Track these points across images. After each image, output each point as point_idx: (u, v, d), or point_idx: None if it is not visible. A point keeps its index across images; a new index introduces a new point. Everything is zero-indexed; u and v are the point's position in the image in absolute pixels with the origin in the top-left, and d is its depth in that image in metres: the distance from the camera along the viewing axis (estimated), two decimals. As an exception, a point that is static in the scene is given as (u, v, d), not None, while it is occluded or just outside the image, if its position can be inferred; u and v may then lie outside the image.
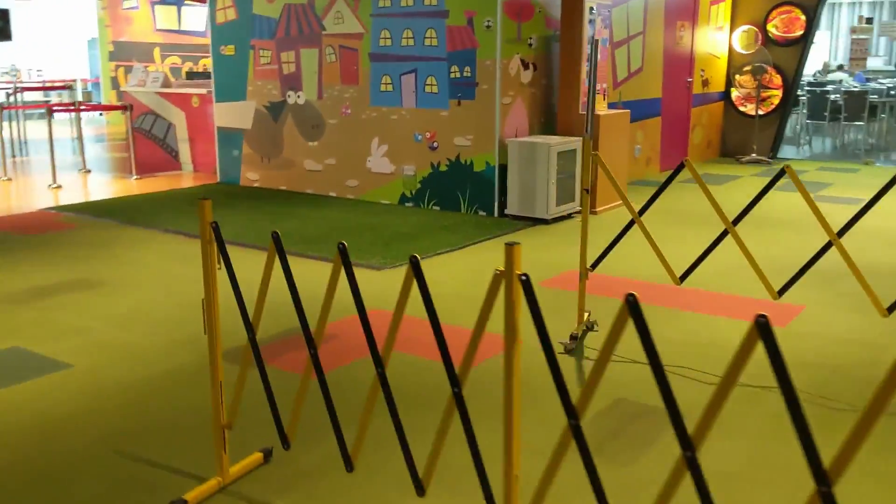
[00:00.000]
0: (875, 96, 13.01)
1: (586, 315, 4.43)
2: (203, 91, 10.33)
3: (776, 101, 11.82)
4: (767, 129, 11.88)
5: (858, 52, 10.95)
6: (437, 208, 8.05)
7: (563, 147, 7.41)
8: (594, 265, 4.33)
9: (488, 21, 7.41)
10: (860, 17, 11.05)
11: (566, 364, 4.09)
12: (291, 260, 6.11)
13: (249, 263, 6.00)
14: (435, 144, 7.96)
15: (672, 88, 10.63)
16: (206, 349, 4.13)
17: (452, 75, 7.72)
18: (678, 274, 4.22)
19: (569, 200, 7.60)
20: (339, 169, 8.71)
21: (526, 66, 7.78)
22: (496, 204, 7.69)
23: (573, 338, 4.17)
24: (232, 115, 9.42)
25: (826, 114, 13.28)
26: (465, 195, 7.85)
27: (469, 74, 7.62)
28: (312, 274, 5.73)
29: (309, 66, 8.69)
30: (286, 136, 9.04)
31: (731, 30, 12.03)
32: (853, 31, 11.29)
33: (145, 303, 5.10)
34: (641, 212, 4.21)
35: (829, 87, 13.45)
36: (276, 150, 9.17)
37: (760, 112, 11.76)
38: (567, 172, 7.51)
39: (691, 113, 11.25)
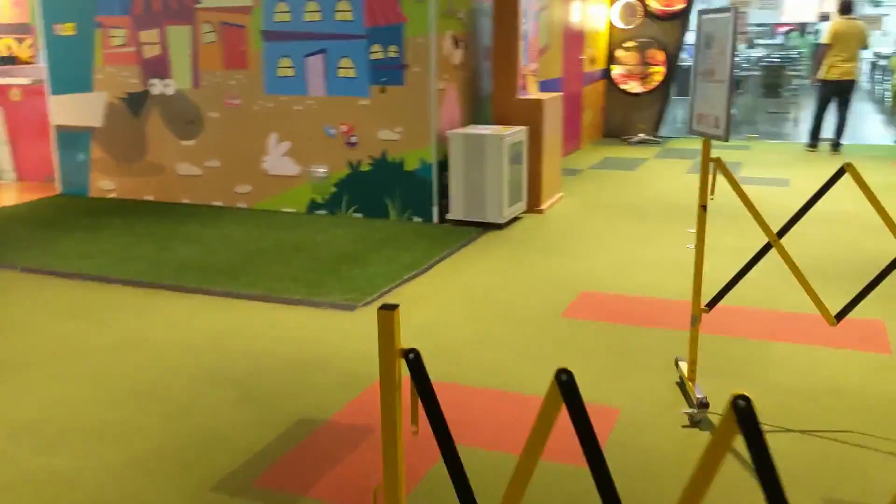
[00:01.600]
0: (745, 72, 13.06)
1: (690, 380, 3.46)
2: (26, 81, 8.27)
3: (659, 77, 11.45)
4: (650, 107, 11.51)
5: (740, 25, 10.82)
6: (359, 216, 6.76)
7: (514, 139, 6.39)
8: (712, 303, 3.34)
9: (419, -9, 6.20)
10: None
11: (690, 440, 3.09)
12: (208, 304, 4.66)
13: (162, 315, 4.49)
14: (353, 140, 6.65)
15: (569, 67, 9.90)
16: (191, 483, 2.75)
17: (374, 56, 6.44)
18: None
19: (517, 200, 6.60)
20: (226, 173, 7.17)
21: (457, 45, 6.65)
22: (435, 208, 6.54)
23: (701, 404, 3.16)
24: (75, 110, 7.54)
25: (694, 89, 13.18)
26: (394, 199, 6.63)
27: (395, 55, 6.38)
28: (251, 321, 4.34)
29: (179, 47, 7.03)
30: (151, 135, 7.33)
31: (610, 3, 11.50)
32: (732, 4, 11.10)
33: (53, 396, 3.53)
34: (780, 234, 3.27)
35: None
36: (137, 153, 7.43)
37: (644, 89, 11.34)
38: (516, 167, 6.50)
39: (583, 92, 10.60)
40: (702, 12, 3.18)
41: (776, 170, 8.89)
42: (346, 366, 3.78)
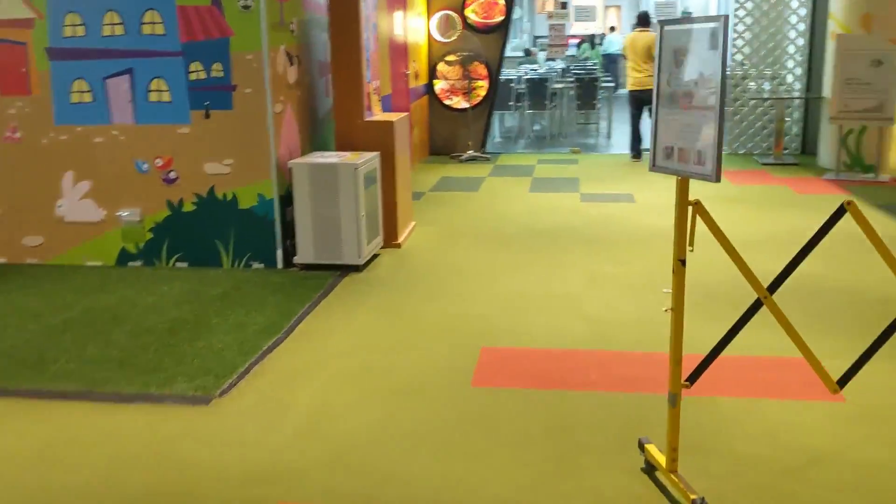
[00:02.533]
0: (559, 84, 13.02)
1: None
2: None
3: (483, 92, 11.08)
4: (476, 122, 11.11)
5: (556, 38, 10.68)
6: (184, 266, 5.67)
7: (368, 167, 5.60)
8: (692, 378, 2.74)
9: (247, -2, 5.25)
10: (555, 2, 10.80)
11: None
12: (5, 413, 3.50)
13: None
14: (172, 175, 5.57)
15: (396, 83, 9.23)
16: None
17: (194, 76, 5.40)
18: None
19: (374, 235, 5.81)
20: (9, 222, 5.80)
21: (291, 61, 5.76)
22: (280, 251, 5.60)
23: (699, 504, 2.55)
24: None
25: (511, 103, 12.99)
26: (228, 243, 5.62)
27: (221, 74, 5.38)
28: (72, 434, 3.26)
29: (-66, 68, 5.59)
30: None
31: (428, 16, 10.98)
32: (549, 16, 10.95)
33: None
34: (771, 288, 2.73)
35: (513, 76, 13.18)
36: None
37: (468, 104, 10.91)
38: (371, 199, 5.71)
39: (411, 109, 9.97)
40: (664, 23, 2.58)
41: (615, 184, 8.71)
42: (222, 497, 2.83)
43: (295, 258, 5.55)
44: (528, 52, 18.97)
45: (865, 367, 2.69)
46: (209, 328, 4.47)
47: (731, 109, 10.61)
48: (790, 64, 10.45)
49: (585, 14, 11.50)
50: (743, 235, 6.32)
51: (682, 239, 2.57)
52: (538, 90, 12.85)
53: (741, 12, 10.39)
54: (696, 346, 3.79)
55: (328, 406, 3.50)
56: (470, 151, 10.80)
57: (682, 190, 2.56)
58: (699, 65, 2.41)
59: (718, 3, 18.90)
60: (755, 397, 3.51)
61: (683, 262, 2.59)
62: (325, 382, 3.75)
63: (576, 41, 22.33)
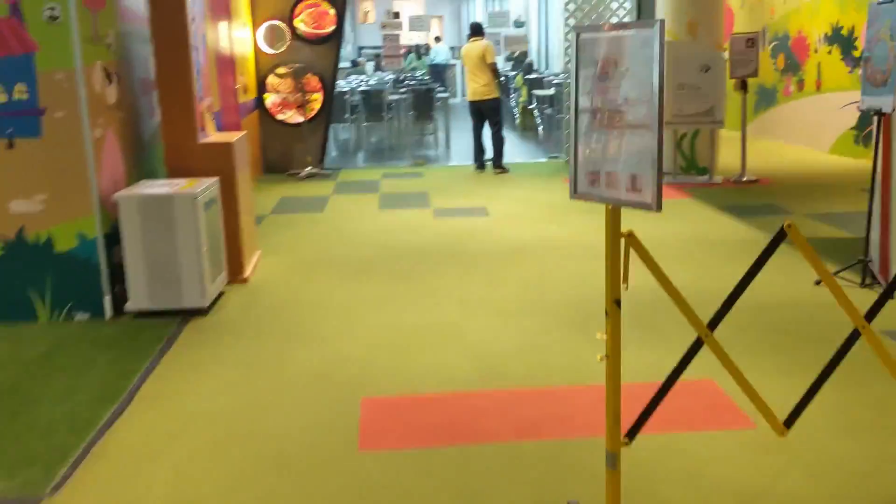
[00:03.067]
0: (395, 96, 12.68)
1: None
2: None
3: (318, 105, 10.54)
4: (312, 137, 10.55)
5: (391, 48, 10.32)
6: (-10, 322, 4.80)
7: (207, 195, 4.96)
8: (632, 433, 2.40)
9: (52, 7, 4.48)
10: (388, 11, 10.39)
11: None
12: None
13: None
14: (-31, 217, 4.68)
15: (225, 98, 8.53)
16: None
17: (-10, 99, 4.56)
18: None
19: (219, 272, 5.17)
20: None
21: (110, 79, 5.02)
22: (108, 298, 4.85)
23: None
24: None
25: (347, 115, 12.52)
26: (44, 293, 4.79)
27: (26, 96, 4.57)
28: None
29: None
30: None
31: (255, 26, 10.30)
32: (383, 26, 10.59)
33: None
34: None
35: (346, 88, 12.71)
36: None
37: (303, 118, 10.33)
38: (213, 230, 5.08)
39: (241, 127, 9.27)
40: (579, 30, 2.24)
41: (465, 197, 8.47)
42: None
43: (127, 305, 4.81)
44: (355, 63, 18.54)
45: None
46: (30, 400, 3.71)
47: (567, 118, 10.69)
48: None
49: (419, 24, 11.20)
50: (599, 245, 6.19)
51: (616, 276, 2.24)
52: (374, 102, 12.47)
53: (571, 21, 10.49)
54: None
55: (189, 494, 2.91)
56: (309, 168, 10.22)
57: (613, 221, 2.23)
58: (630, 78, 2.08)
59: (540, 18, 19.38)
60: (667, 431, 3.27)
61: (618, 303, 2.26)
62: (182, 461, 3.14)
63: (402, 51, 22.22)
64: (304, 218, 7.71)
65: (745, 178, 8.79)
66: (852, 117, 10.06)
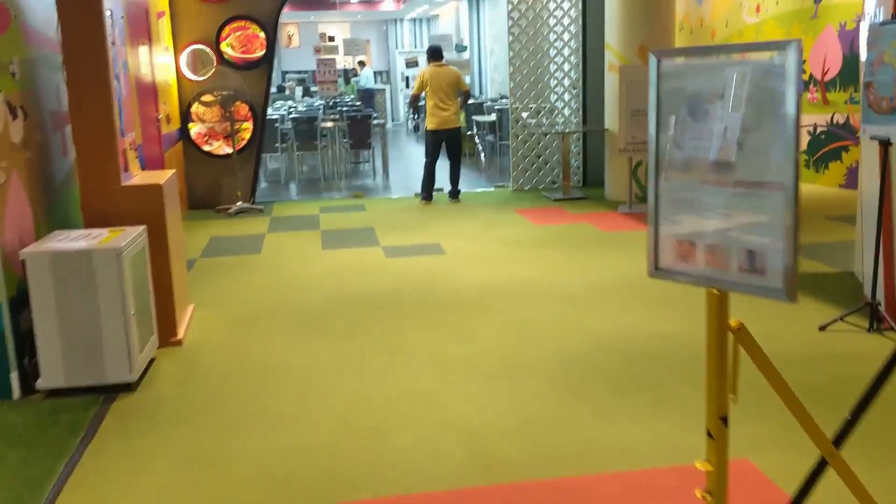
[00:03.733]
0: (329, 123, 11.99)
1: None
2: None
3: (248, 134, 9.80)
4: (242, 169, 9.80)
5: (327, 74, 9.65)
6: None
7: (134, 248, 4.23)
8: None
9: (-62, 28, 3.71)
10: (322, 35, 9.74)
11: None
12: None
13: None
14: None
15: (147, 130, 7.74)
16: None
17: None
18: None
19: (148, 336, 4.42)
20: None
21: (14, 114, 4.24)
22: (15, 375, 4.05)
23: None
24: None
25: (277, 145, 11.79)
26: (-67, 371, 3.96)
27: None
28: None
29: None
30: None
31: (177, 50, 9.52)
32: (317, 50, 9.93)
33: None
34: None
35: (276, 115, 11.97)
36: None
37: (231, 149, 9.57)
38: (140, 288, 4.34)
39: (164, 161, 8.48)
40: (660, 55, 1.68)
41: (415, 233, 7.86)
42: None
43: (38, 382, 4.03)
44: (281, 89, 17.77)
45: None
46: None
47: (513, 146, 10.23)
48: (566, 96, 10.26)
49: (354, 47, 10.58)
50: (574, 285, 5.69)
51: (721, 384, 1.66)
52: (306, 130, 11.77)
53: (516, 45, 10.05)
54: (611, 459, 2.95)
55: None
56: (240, 203, 9.45)
57: (719, 311, 1.65)
58: (745, 119, 1.52)
59: (472, 41, 19.01)
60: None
61: (725, 421, 1.68)
62: None
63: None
64: (240, 261, 6.97)
65: (704, 207, 8.44)
66: (801, 141, 9.88)
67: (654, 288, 5.59)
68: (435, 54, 9.59)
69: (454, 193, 9.62)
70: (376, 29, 26.33)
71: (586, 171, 10.40)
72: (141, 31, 7.75)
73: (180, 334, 4.85)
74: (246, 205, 9.48)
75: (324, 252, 7.19)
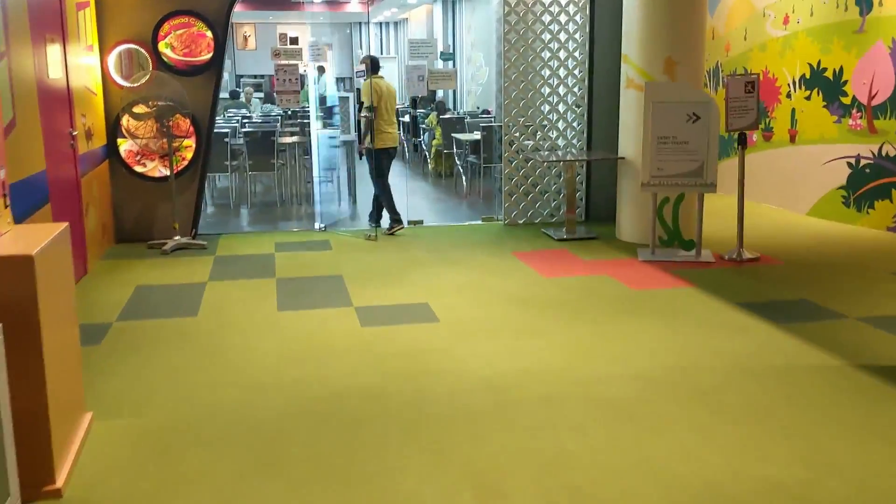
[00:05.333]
0: (289, 139, 10.37)
1: None
2: None
3: (189, 154, 8.13)
4: (182, 194, 8.13)
5: (287, 82, 8.08)
6: None
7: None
8: None
9: None
10: (282, 36, 8.23)
11: None
12: None
13: None
14: None
15: (55, 151, 6.05)
16: None
17: None
18: None
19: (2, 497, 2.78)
20: None
21: None
22: None
23: None
24: None
25: (227, 163, 10.12)
26: None
27: None
28: None
29: None
30: None
31: (104, 51, 7.84)
32: (276, 54, 8.31)
33: None
34: None
35: (226, 128, 10.30)
36: None
37: (168, 171, 7.90)
38: (-17, 436, 2.69)
39: (82, 185, 6.78)
40: None
41: (395, 284, 6.29)
42: None
43: None
44: (235, 95, 16.03)
45: None
46: None
47: (506, 172, 8.72)
48: (569, 115, 8.79)
49: (317, 53, 8.99)
50: (617, 382, 4.15)
51: None
52: (261, 146, 10.13)
53: (513, 55, 8.54)
54: None
55: None
56: (177, 237, 7.78)
57: None
58: None
59: (446, 40, 17.47)
60: None
61: None
62: None
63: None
64: (168, 328, 5.32)
65: (744, 256, 7.01)
66: (839, 175, 8.55)
67: (725, 387, 4.09)
68: (376, 65, 8.52)
69: (393, 223, 8.39)
70: (339, 32, 24.73)
71: (589, 203, 8.94)
72: (49, 24, 6.06)
73: (60, 479, 3.21)
74: (185, 239, 7.80)
75: (280, 315, 5.57)
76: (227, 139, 10.02)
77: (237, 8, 22.46)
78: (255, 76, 22.94)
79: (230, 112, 15.12)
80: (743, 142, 6.97)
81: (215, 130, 10.02)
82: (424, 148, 13.48)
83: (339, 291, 6.14)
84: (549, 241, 7.91)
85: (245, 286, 6.33)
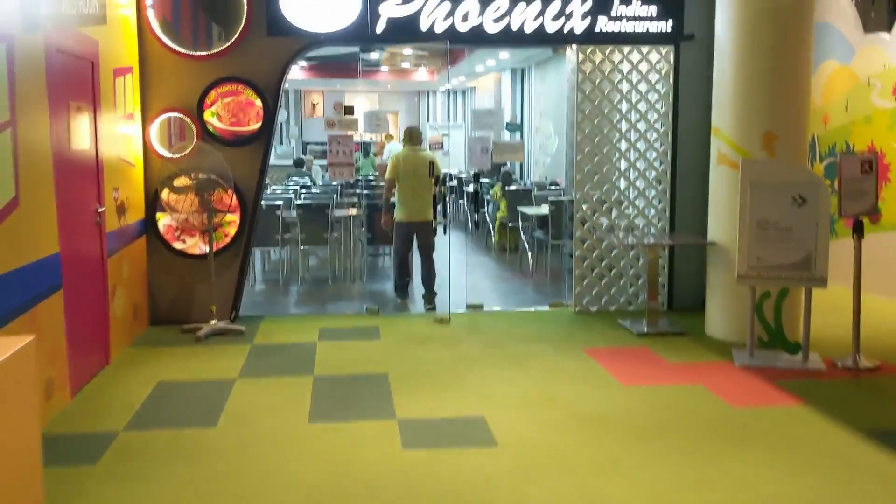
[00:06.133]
0: (344, 212, 9.73)
1: None
2: None
3: (232, 230, 7.50)
4: (222, 275, 7.47)
5: (341, 154, 7.43)
6: None
7: None
8: None
9: None
10: (336, 105, 7.69)
11: None
12: None
13: None
14: None
15: (75, 230, 5.44)
16: None
17: None
18: None
19: None
20: None
21: None
22: None
23: None
24: None
25: (278, 237, 9.50)
26: None
27: None
28: None
29: None
30: None
31: (146, 119, 7.33)
32: (330, 125, 7.70)
33: None
34: None
35: (279, 202, 9.72)
36: None
37: (208, 248, 7.26)
38: None
39: (108, 267, 6.16)
40: None
41: (445, 388, 5.43)
42: None
43: None
44: (299, 163, 15.62)
45: None
46: None
47: (577, 254, 7.85)
48: (649, 192, 7.90)
49: (375, 122, 8.33)
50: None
51: None
52: (315, 219, 9.50)
53: (586, 124, 7.74)
54: None
55: None
56: (213, 321, 7.09)
57: None
58: None
59: (514, 109, 16.86)
60: None
61: None
62: None
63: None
64: (182, 441, 4.55)
65: (862, 364, 5.93)
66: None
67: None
68: (411, 136, 8.16)
69: (430, 297, 8.11)
70: (407, 100, 24.48)
71: (673, 291, 7.95)
72: (76, 91, 5.53)
73: None
74: (222, 324, 7.11)
75: (311, 428, 4.74)
76: (279, 211, 9.41)
77: (304, 75, 22.40)
78: (322, 143, 22.70)
79: (292, 180, 14.71)
80: (859, 230, 5.96)
81: (267, 202, 9.48)
82: (488, 220, 12.70)
83: (382, 397, 5.29)
84: (626, 336, 6.95)
85: (277, 386, 5.54)
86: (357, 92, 23.56)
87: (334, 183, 13.21)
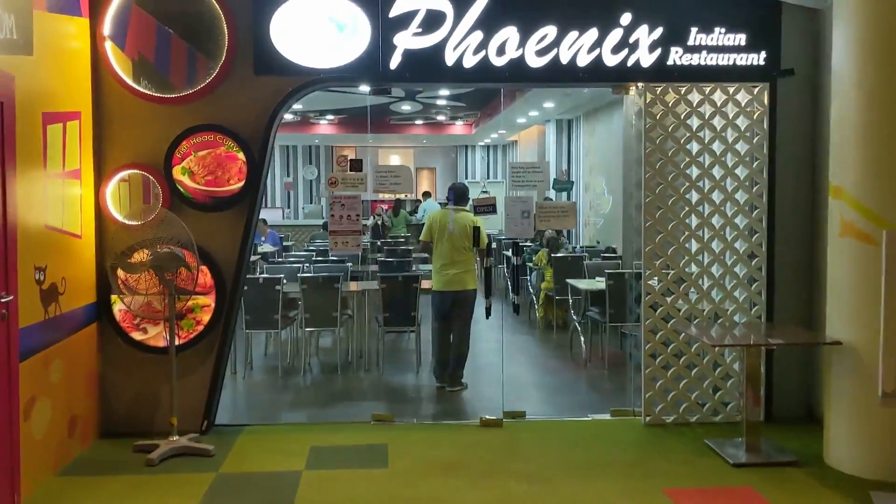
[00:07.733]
0: (354, 287, 8.13)
1: None
2: None
3: (206, 316, 5.91)
4: (191, 374, 5.87)
5: (344, 221, 5.85)
6: None
7: None
8: None
9: None
10: (341, 158, 5.89)
11: None
12: None
13: None
14: None
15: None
16: None
17: None
18: None
19: None
20: None
21: None
22: None
23: None
24: None
25: (277, 316, 7.89)
26: None
27: None
28: None
29: None
30: None
31: (102, 177, 5.84)
32: (331, 183, 6.15)
33: None
34: None
35: (280, 272, 8.15)
36: None
37: (171, 340, 5.67)
38: None
39: (19, 374, 4.57)
40: None
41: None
42: None
43: None
44: (327, 226, 14.10)
45: None
46: None
47: (647, 348, 6.10)
48: (739, 270, 6.15)
49: (391, 180, 6.66)
50: None
51: None
52: (322, 294, 7.89)
53: (653, 182, 6.07)
54: None
55: None
56: (174, 437, 5.45)
57: None
58: None
59: (558, 165, 15.22)
60: None
61: None
62: None
63: (386, 207, 18.00)
64: None
65: None
66: None
67: None
68: (458, 194, 7.21)
69: (454, 379, 7.08)
70: (444, 155, 23.08)
71: (772, 395, 6.13)
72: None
73: None
74: (185, 440, 5.47)
75: None
76: (278, 286, 7.83)
77: (334, 131, 21.02)
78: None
79: (315, 243, 13.28)
80: None
81: (267, 276, 7.93)
82: (531, 291, 10.98)
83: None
84: (719, 465, 5.14)
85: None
86: (391, 147, 22.26)
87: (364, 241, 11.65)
